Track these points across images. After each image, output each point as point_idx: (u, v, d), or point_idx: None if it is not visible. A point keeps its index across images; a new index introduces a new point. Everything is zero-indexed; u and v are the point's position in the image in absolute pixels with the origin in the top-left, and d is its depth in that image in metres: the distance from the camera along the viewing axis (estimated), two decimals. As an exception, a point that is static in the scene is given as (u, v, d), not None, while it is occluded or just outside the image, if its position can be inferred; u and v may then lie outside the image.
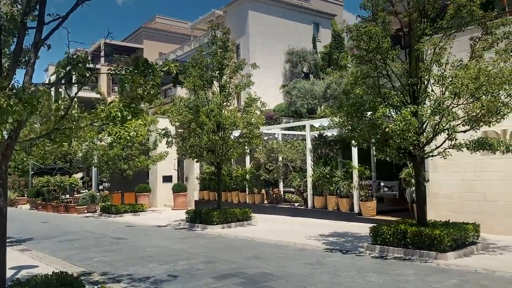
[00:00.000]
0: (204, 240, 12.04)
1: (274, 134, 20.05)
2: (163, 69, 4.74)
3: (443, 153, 9.03)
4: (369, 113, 9.67)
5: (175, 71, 4.75)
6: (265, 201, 19.16)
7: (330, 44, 39.70)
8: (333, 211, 15.55)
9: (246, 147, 14.76)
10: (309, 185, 16.44)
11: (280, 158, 18.45)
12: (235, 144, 13.98)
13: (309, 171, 16.45)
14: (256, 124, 13.99)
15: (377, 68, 9.45)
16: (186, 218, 15.44)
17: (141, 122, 4.80)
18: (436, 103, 8.42)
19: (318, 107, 23.79)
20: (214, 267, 8.36)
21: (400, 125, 8.22)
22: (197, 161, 15.06)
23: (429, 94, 8.91)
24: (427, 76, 8.95)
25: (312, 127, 17.02)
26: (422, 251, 8.81)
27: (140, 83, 4.50)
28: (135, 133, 4.89)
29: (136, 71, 4.54)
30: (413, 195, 13.04)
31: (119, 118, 4.41)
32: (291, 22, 39.67)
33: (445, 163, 11.90)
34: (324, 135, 17.40)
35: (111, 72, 4.88)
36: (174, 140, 14.91)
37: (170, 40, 53.61)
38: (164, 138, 14.83)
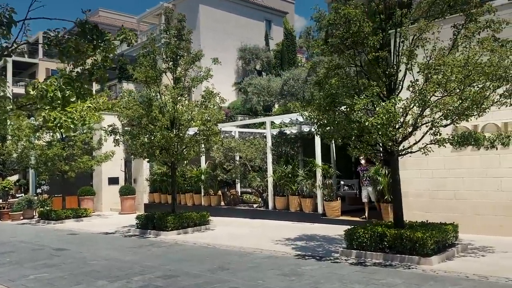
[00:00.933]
0: (159, 249, 10.77)
1: (231, 132, 18.98)
2: (118, 38, 3.60)
3: (425, 149, 8.38)
4: (343, 107, 8.87)
5: (133, 41, 3.63)
6: (222, 203, 18.06)
7: (282, 42, 39.28)
8: (295, 212, 14.74)
9: (203, 146, 13.58)
10: (270, 185, 15.53)
11: (238, 157, 17.42)
12: (192, 142, 12.77)
13: (270, 170, 15.54)
14: (215, 120, 12.86)
15: (355, 56, 8.65)
16: (137, 223, 14.02)
17: (90, 105, 3.62)
18: (420, 94, 7.73)
19: (275, 104, 23.00)
20: (176, 283, 7.18)
21: (383, 118, 7.45)
22: (148, 161, 13.70)
23: (412, 84, 8.19)
24: (409, 65, 8.25)
25: (273, 124, 16.12)
26: (403, 255, 8.11)
27: (87, 54, 3.33)
28: (81, 120, 3.67)
29: (82, 38, 3.35)
30: (375, 194, 12.54)
31: (59, 100, 3.22)
32: (243, 18, 38.80)
33: (414, 160, 11.41)
34: (284, 132, 16.57)
35: (47, 42, 3.65)
36: (122, 138, 13.47)
37: (114, 34, 50.94)
38: (110, 135, 13.37)
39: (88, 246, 11.85)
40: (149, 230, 13.42)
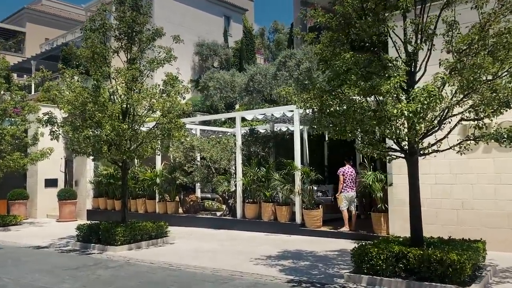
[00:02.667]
0: (106, 272, 8.32)
1: (191, 129, 16.66)
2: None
3: (461, 147, 6.61)
4: (349, 92, 6.93)
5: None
6: (180, 210, 15.70)
7: (242, 40, 37.43)
8: (269, 221, 12.70)
9: (161, 143, 11.23)
10: (239, 190, 13.40)
11: (199, 158, 15.16)
12: (149, 137, 10.38)
13: (239, 173, 13.42)
14: (179, 111, 10.58)
15: (378, 23, 6.74)
16: (78, 235, 11.41)
17: None
18: (470, 72, 5.90)
19: (238, 101, 20.94)
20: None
21: (425, 102, 5.56)
22: (93, 160, 11.19)
23: (442, 62, 6.39)
24: (447, 37, 6.44)
25: (244, 121, 14.03)
26: (433, 283, 6.27)
27: None
28: None
29: None
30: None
31: None
32: (201, 12, 36.46)
33: (412, 163, 9.76)
34: (256, 130, 14.54)
35: None
36: (61, 130, 10.86)
37: (58, 25, 47.10)
38: (46, 126, 10.75)
39: (10, 267, 9.14)
40: (92, 244, 10.88)
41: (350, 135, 7.00)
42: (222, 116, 15.11)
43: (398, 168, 10.33)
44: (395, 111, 5.89)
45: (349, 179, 11.59)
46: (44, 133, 16.54)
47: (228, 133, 17.82)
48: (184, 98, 11.81)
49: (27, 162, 15.95)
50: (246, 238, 11.89)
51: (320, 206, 12.02)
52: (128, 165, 11.53)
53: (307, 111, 8.24)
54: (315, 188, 15.32)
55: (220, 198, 17.00)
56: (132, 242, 10.73)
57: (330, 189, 15.15)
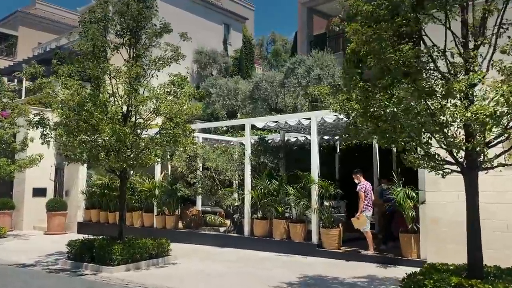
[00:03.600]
0: (102, 300, 7.08)
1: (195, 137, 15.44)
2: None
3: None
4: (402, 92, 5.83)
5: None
6: (180, 225, 14.44)
7: (241, 50, 36.61)
8: (281, 240, 11.49)
9: (168, 149, 10.06)
10: (247, 205, 12.21)
11: (201, 168, 13.94)
12: (154, 142, 9.16)
13: (248, 186, 12.23)
14: (188, 115, 9.42)
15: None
16: (68, 252, 10.13)
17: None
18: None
19: (241, 110, 19.83)
20: None
21: (502, 106, 4.48)
22: (88, 168, 9.96)
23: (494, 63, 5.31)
24: None
25: (254, 128, 12.90)
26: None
27: None
28: None
29: None
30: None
31: None
32: (200, 19, 35.43)
33: (448, 178, 8.68)
34: (266, 139, 13.41)
35: None
36: (54, 133, 9.63)
37: (52, 29, 45.98)
38: (37, 128, 9.52)
39: (-11, 290, 7.87)
40: (85, 264, 9.58)
41: (403, 144, 5.87)
42: (230, 123, 13.99)
43: (432, 184, 9.24)
44: (468, 114, 4.79)
45: (369, 196, 10.47)
46: (34, 138, 15.32)
47: (231, 142, 16.68)
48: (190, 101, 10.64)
49: (14, 169, 14.66)
50: (256, 258, 10.68)
51: (339, 224, 10.86)
52: (127, 175, 10.32)
53: (340, 116, 7.18)
54: (326, 203, 14.22)
55: (223, 213, 15.81)
56: (130, 262, 9.46)
57: (343, 206, 14.01)
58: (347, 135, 6.98)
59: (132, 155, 9.27)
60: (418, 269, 6.50)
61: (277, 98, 18.90)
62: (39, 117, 9.38)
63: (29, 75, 9.48)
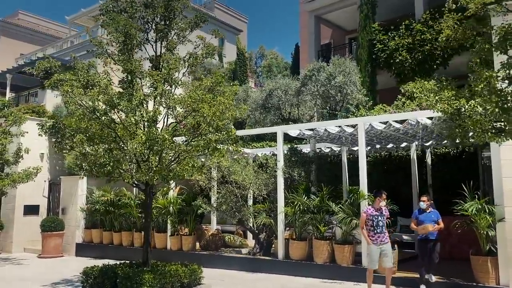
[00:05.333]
0: None
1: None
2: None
3: None
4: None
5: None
6: (197, 246, 12.90)
7: (235, 61, 35.54)
8: (324, 264, 10.09)
9: (203, 159, 8.63)
10: (281, 224, 10.80)
11: (215, 180, 12.44)
12: (193, 150, 7.68)
13: (281, 202, 10.85)
14: (230, 119, 8.05)
15: None
16: (84, 282, 8.50)
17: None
18: None
19: (249, 119, 18.47)
20: None
21: None
22: (108, 181, 8.42)
23: None
24: None
25: (286, 137, 11.56)
26: None
27: None
28: None
29: None
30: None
31: None
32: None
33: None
34: (298, 149, 12.10)
35: None
36: (69, 142, 8.06)
37: (35, 40, 44.20)
38: (47, 134, 8.01)
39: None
40: (106, 296, 8.01)
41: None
42: (260, 131, 12.60)
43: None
44: None
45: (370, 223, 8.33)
46: (29, 149, 13.70)
47: (245, 154, 15.28)
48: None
49: (8, 184, 12.92)
50: (300, 287, 9.25)
51: (395, 245, 9.55)
52: (154, 189, 8.81)
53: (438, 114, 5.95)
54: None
55: (241, 231, 14.37)
56: (162, 294, 7.94)
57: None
58: (451, 139, 5.75)
59: (162, 166, 7.79)
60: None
61: (291, 107, 17.66)
62: (53, 120, 7.84)
63: (41, 71, 7.94)
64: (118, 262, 9.11)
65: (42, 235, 14.58)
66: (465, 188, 8.68)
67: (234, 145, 8.08)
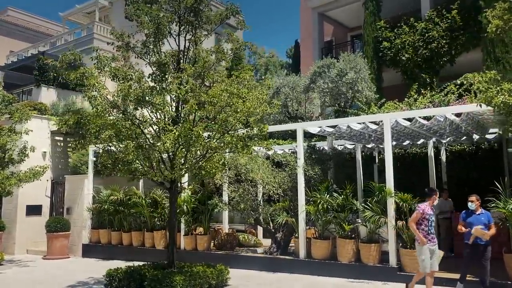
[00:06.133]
0: None
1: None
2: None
3: None
4: None
5: None
6: (212, 246, 12.60)
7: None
8: (349, 263, 9.87)
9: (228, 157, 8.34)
10: (302, 223, 10.56)
11: (232, 178, 12.14)
12: (228, 147, 7.39)
13: (302, 201, 10.61)
14: (261, 114, 7.78)
15: None
16: (108, 285, 8.16)
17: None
18: None
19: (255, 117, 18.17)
20: None
21: None
22: (133, 179, 8.09)
23: None
24: None
25: (307, 135, 11.32)
26: None
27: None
28: None
29: None
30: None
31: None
32: (191, 26, 33.89)
33: None
34: (316, 147, 11.88)
35: None
36: (95, 138, 7.69)
37: (25, 37, 43.32)
38: (69, 129, 7.61)
39: None
40: (134, 300, 7.68)
41: None
42: (280, 128, 12.31)
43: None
44: None
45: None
46: (35, 148, 13.27)
47: (254, 152, 14.97)
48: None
49: (14, 183, 12.47)
50: (328, 287, 9.03)
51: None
52: (179, 188, 8.49)
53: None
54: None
55: (253, 230, 14.11)
56: (192, 296, 7.64)
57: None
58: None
59: (194, 163, 7.49)
60: None
61: (299, 105, 17.42)
62: (78, 116, 7.45)
63: (64, 64, 7.55)
64: (140, 263, 8.78)
65: (48, 236, 14.13)
66: (498, 185, 8.51)
67: (265, 142, 7.77)
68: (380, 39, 18.75)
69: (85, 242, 14.53)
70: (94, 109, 7.45)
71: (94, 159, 14.55)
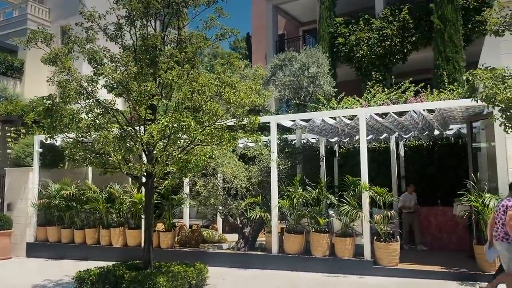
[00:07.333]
0: None
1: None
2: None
3: None
4: None
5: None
6: (175, 243, 12.02)
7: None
8: (324, 258, 9.81)
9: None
10: (275, 218, 10.34)
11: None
12: (218, 139, 6.95)
13: (275, 195, 10.38)
14: (250, 105, 7.41)
15: None
16: (77, 290, 7.42)
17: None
18: None
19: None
20: None
21: None
22: (103, 174, 7.38)
23: None
24: None
25: (280, 128, 11.09)
26: None
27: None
28: None
29: None
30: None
31: None
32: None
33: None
34: (288, 141, 11.70)
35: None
36: (66, 126, 6.89)
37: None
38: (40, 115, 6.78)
39: None
40: (109, 305, 7.03)
41: None
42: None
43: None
44: None
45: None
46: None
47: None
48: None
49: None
50: (306, 282, 8.91)
51: (397, 237, 9.53)
52: (156, 184, 7.91)
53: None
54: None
55: (216, 226, 13.74)
56: (174, 298, 7.15)
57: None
58: None
59: (177, 155, 6.99)
60: None
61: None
62: (49, 102, 6.62)
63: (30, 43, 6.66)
64: (110, 264, 8.11)
65: (-14, 235, 12.76)
66: (471, 180, 8.83)
67: (254, 134, 7.42)
68: (335, 35, 18.99)
69: (29, 240, 13.29)
70: (66, 94, 6.68)
71: (41, 150, 13.38)
